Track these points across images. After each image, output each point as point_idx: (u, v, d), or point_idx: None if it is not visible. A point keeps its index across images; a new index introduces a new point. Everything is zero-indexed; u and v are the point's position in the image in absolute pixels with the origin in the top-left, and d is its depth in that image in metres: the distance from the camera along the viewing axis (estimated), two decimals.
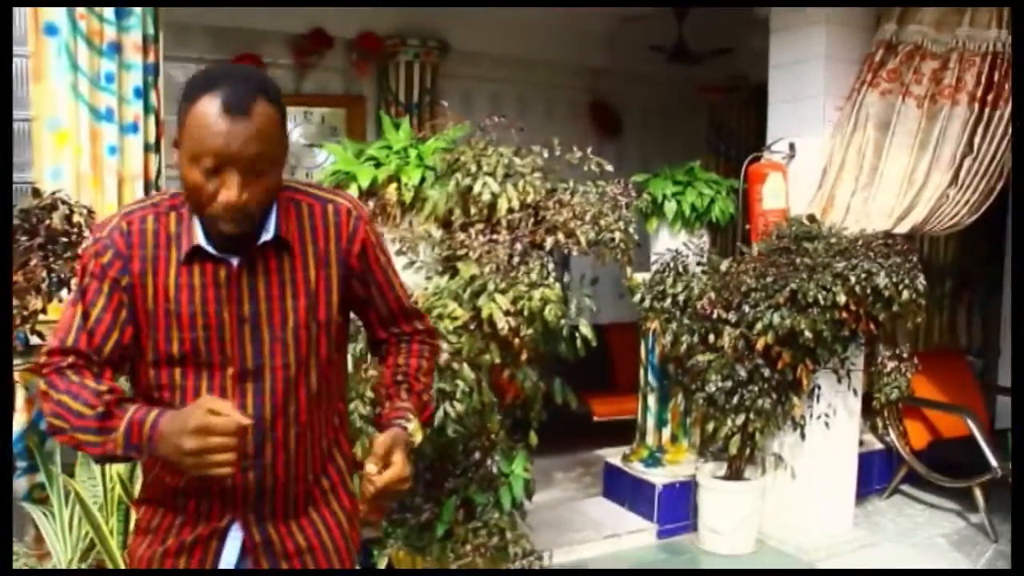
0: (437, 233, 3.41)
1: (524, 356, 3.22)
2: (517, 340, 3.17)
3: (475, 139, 3.62)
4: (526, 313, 3.11)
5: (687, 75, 6.58)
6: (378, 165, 3.71)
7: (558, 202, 3.38)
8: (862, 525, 4.79)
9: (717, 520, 4.48)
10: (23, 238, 3.06)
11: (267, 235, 1.59)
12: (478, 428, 3.30)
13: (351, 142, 4.16)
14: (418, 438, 1.68)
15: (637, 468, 4.80)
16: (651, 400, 4.83)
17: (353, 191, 3.67)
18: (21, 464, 3.31)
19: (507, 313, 3.10)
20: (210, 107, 1.45)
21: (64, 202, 3.03)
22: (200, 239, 1.57)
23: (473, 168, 3.46)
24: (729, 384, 4.22)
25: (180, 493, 1.65)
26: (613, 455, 5.07)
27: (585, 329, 3.31)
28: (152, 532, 1.70)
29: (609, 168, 3.56)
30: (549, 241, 3.28)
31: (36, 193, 3.07)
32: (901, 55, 4.30)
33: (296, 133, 5.66)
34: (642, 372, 4.87)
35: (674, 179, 4.67)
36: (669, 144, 6.61)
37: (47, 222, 3.04)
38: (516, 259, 3.21)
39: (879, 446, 5.28)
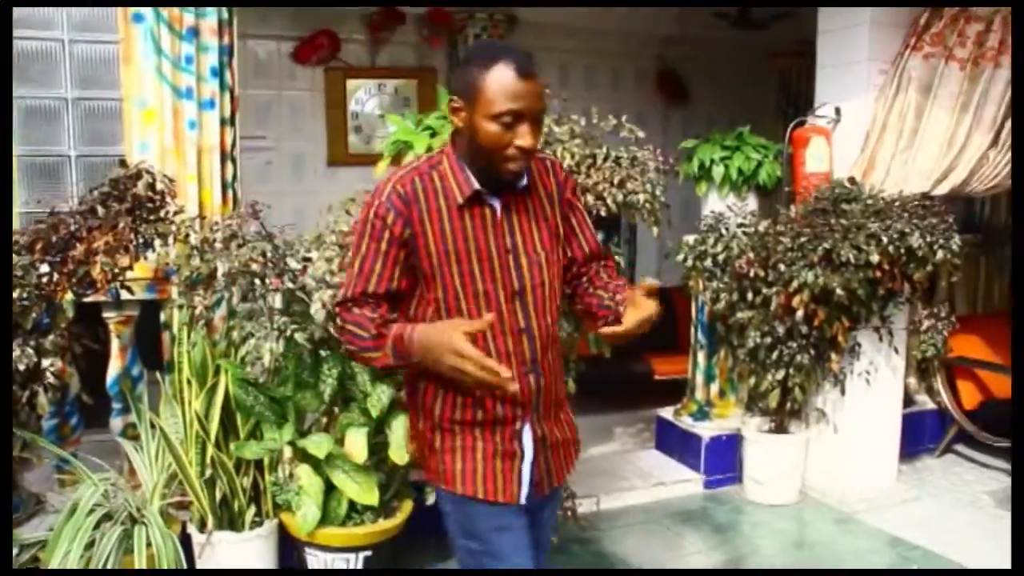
0: None
1: None
2: None
3: None
4: None
5: (755, 42, 6.65)
6: (434, 135, 4.01)
7: (590, 166, 3.61)
8: (908, 481, 4.90)
9: (760, 471, 4.67)
10: (113, 204, 3.48)
11: (524, 182, 2.01)
12: None
13: (412, 113, 4.47)
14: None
15: (686, 421, 5.02)
16: (700, 357, 5.02)
17: (409, 158, 3.99)
18: (117, 406, 3.72)
19: None
20: (506, 73, 1.83)
21: (148, 172, 3.43)
22: (476, 185, 1.95)
23: None
24: (769, 340, 4.40)
25: (477, 404, 2.02)
26: (669, 411, 5.30)
27: None
28: (459, 450, 2.05)
29: (642, 135, 3.77)
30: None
31: (123, 164, 3.47)
32: (946, 18, 4.34)
33: (371, 104, 5.99)
34: (692, 330, 5.07)
35: (722, 144, 4.82)
36: (737, 110, 6.67)
37: (133, 190, 3.45)
38: None
39: (932, 405, 5.35)
